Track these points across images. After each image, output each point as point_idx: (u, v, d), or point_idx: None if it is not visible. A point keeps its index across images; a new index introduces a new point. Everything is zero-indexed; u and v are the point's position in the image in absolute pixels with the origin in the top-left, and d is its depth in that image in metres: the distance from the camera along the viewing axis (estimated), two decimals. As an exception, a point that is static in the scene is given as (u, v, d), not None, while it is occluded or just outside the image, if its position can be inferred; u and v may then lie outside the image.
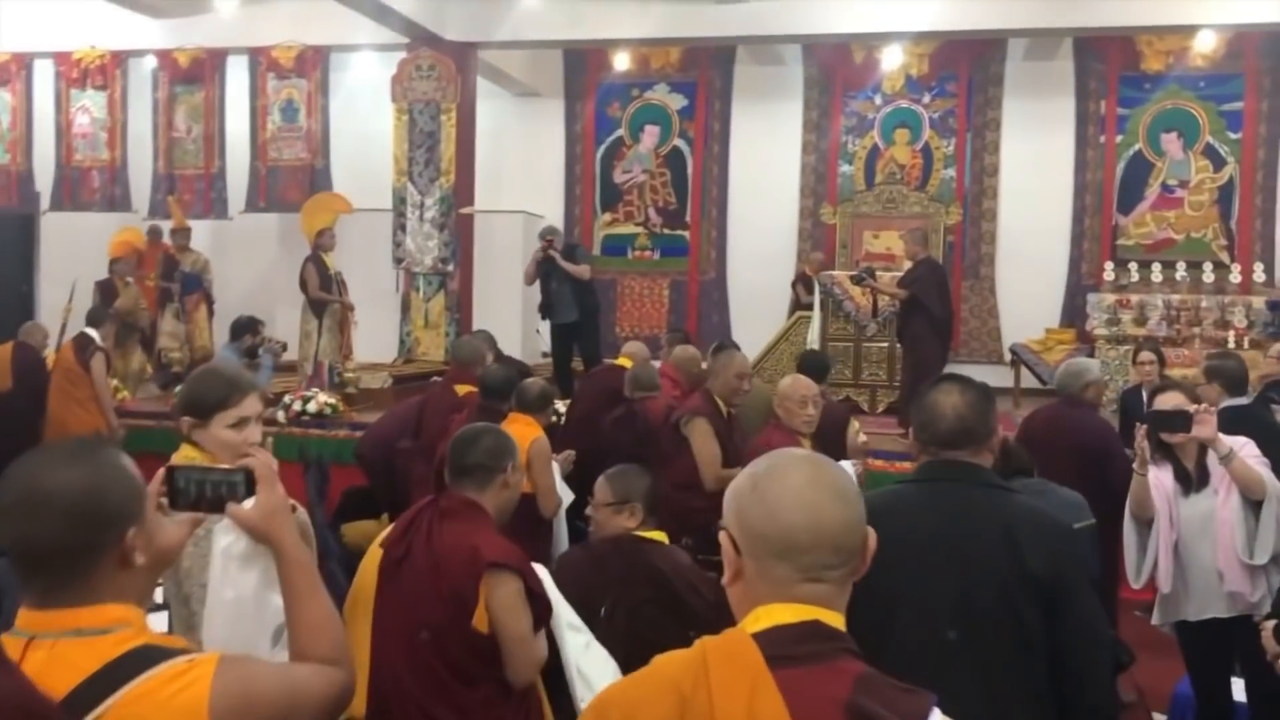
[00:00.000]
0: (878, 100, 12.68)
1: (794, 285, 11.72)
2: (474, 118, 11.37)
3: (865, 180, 12.62)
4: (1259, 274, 11.22)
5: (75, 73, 12.28)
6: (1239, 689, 4.02)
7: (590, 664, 2.88)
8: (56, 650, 1.50)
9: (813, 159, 12.83)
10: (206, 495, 1.82)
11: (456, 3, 10.94)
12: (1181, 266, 11.25)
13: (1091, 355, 10.94)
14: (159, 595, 2.40)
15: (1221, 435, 3.79)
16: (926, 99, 12.58)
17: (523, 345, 11.59)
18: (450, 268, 11.01)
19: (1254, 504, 3.80)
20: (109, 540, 1.56)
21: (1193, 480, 3.95)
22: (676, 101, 13.15)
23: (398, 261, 11.08)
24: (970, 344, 12.21)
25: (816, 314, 10.22)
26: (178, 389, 2.89)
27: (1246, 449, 3.83)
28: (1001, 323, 12.36)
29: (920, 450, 2.51)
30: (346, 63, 12.48)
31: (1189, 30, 10.92)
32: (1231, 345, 10.46)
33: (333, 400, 8.51)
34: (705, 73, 12.97)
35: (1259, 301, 10.67)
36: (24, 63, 12.54)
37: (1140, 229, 12.15)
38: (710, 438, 5.06)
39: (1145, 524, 3.97)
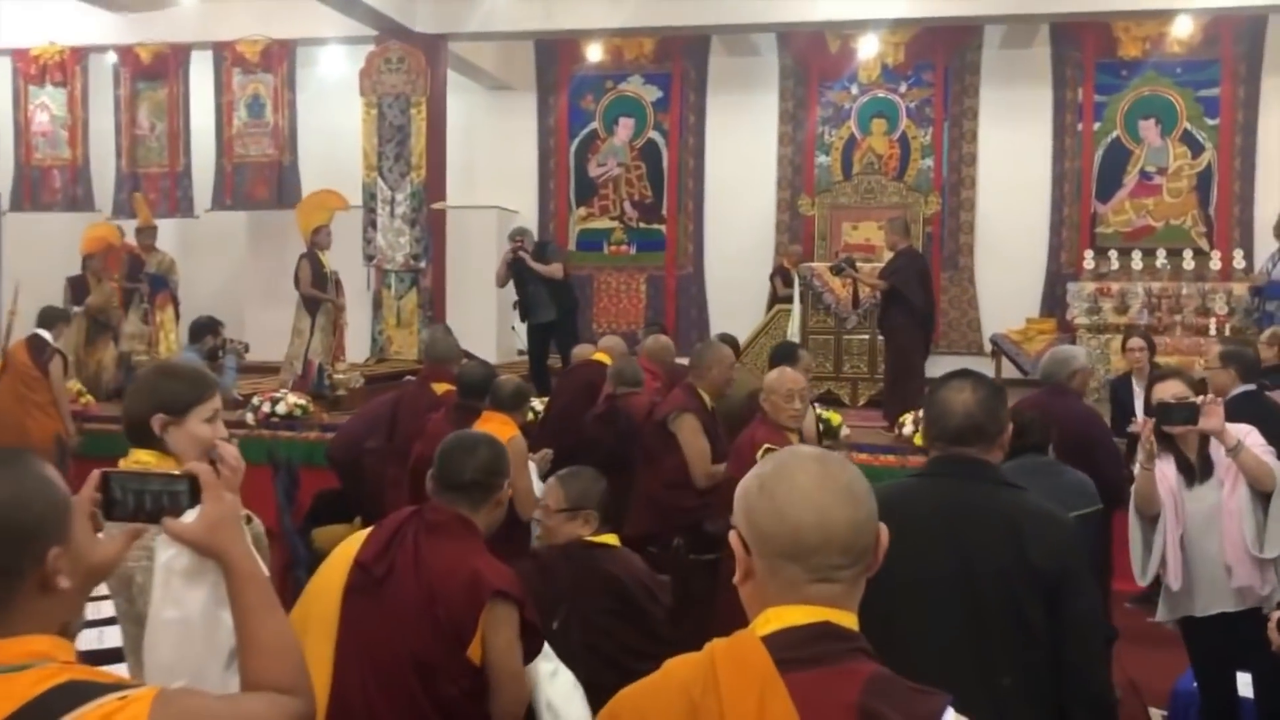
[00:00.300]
0: (854, 90, 12.56)
1: (772, 278, 11.58)
2: (444, 111, 11.16)
3: (843, 171, 12.50)
4: (1239, 261, 11.17)
5: (34, 69, 11.98)
6: (1243, 683, 3.88)
7: (558, 693, 2.66)
8: (-36, 691, 1.31)
9: (789, 150, 12.69)
10: (146, 506, 1.63)
11: (425, -6, 10.74)
12: (1162, 254, 11.18)
13: (1073, 344, 10.91)
14: (104, 610, 2.22)
15: (1229, 426, 3.64)
16: (903, 88, 12.47)
17: (498, 342, 11.44)
18: (422, 264, 10.79)
19: (1262, 495, 3.65)
20: (26, 563, 1.38)
21: (1196, 472, 3.79)
22: (651, 93, 12.98)
23: (369, 259, 10.85)
24: (950, 335, 12.10)
25: (796, 307, 10.08)
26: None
27: (1252, 437, 3.68)
28: (981, 313, 12.28)
29: (930, 445, 2.54)
30: (314, 57, 12.25)
31: (1165, 16, 10.85)
32: (1213, 333, 10.42)
33: (302, 401, 8.29)
34: (679, 64, 12.80)
35: (1240, 288, 10.63)
36: (-19, 60, 12.23)
37: (1119, 217, 12.08)
38: (699, 434, 4.91)
39: (1150, 520, 3.81)
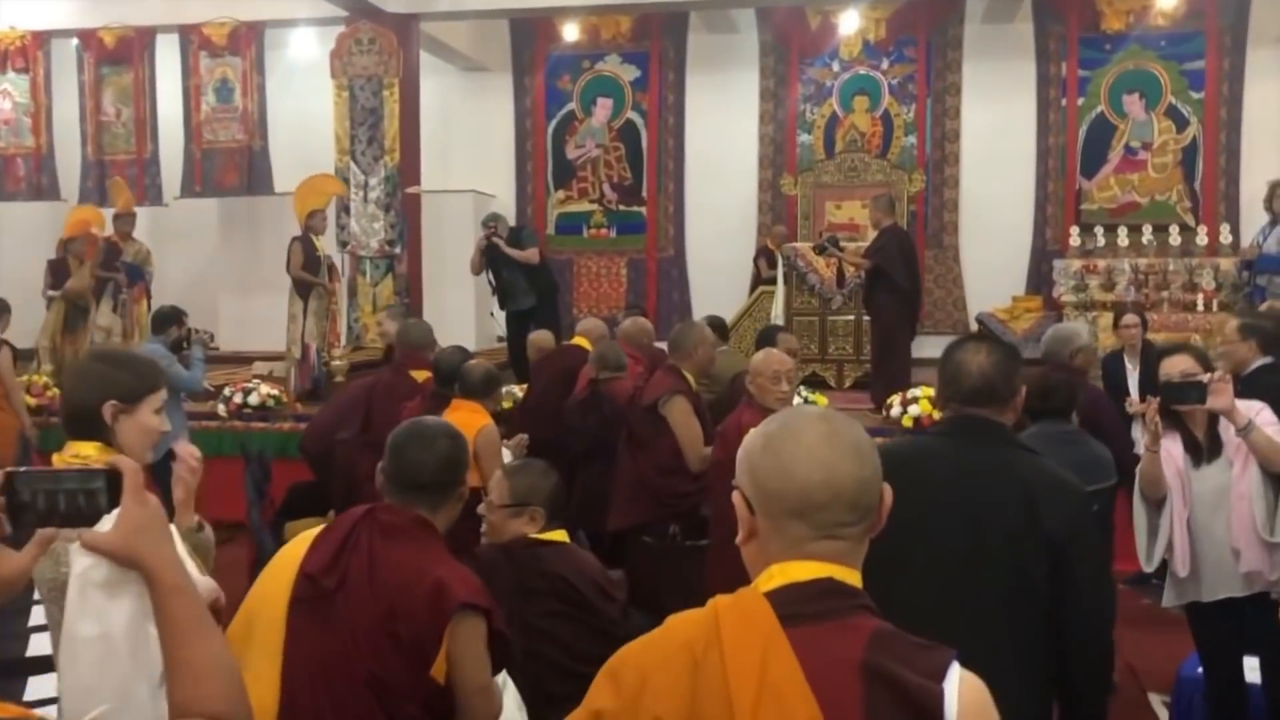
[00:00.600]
0: (835, 67, 12.36)
1: (756, 260, 11.39)
2: (418, 93, 10.92)
3: (825, 149, 12.31)
4: (1225, 236, 11.05)
5: (-6, 55, 11.67)
6: (1249, 668, 3.73)
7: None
8: None
9: (770, 129, 12.50)
10: (59, 508, 1.42)
11: (396, -27, 10.49)
12: (1148, 230, 11.08)
13: (1060, 323, 10.78)
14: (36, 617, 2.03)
15: (1239, 404, 3.45)
16: (885, 65, 12.29)
17: (477, 329, 11.24)
18: (398, 250, 10.57)
19: (1273, 477, 3.48)
20: None
21: (1204, 451, 3.60)
22: (629, 73, 12.75)
23: (342, 245, 10.61)
24: (935, 314, 11.96)
25: (780, 288, 9.91)
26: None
27: (1263, 415, 3.49)
28: (966, 292, 12.14)
29: (944, 406, 2.59)
30: (282, 39, 11.99)
31: (1150, -13, 10.70)
32: (1200, 308, 10.33)
33: (275, 392, 8.08)
34: (657, 42, 12.57)
35: (1226, 263, 10.53)
36: (-60, 47, 11.90)
37: (1104, 193, 11.95)
38: (691, 416, 4.73)
39: (1156, 504, 3.64)
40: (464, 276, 10.65)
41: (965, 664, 1.41)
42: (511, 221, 11.14)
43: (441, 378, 4.96)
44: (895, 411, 7.37)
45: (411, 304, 10.49)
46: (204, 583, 2.16)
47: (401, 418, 4.51)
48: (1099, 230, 11.24)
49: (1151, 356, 6.06)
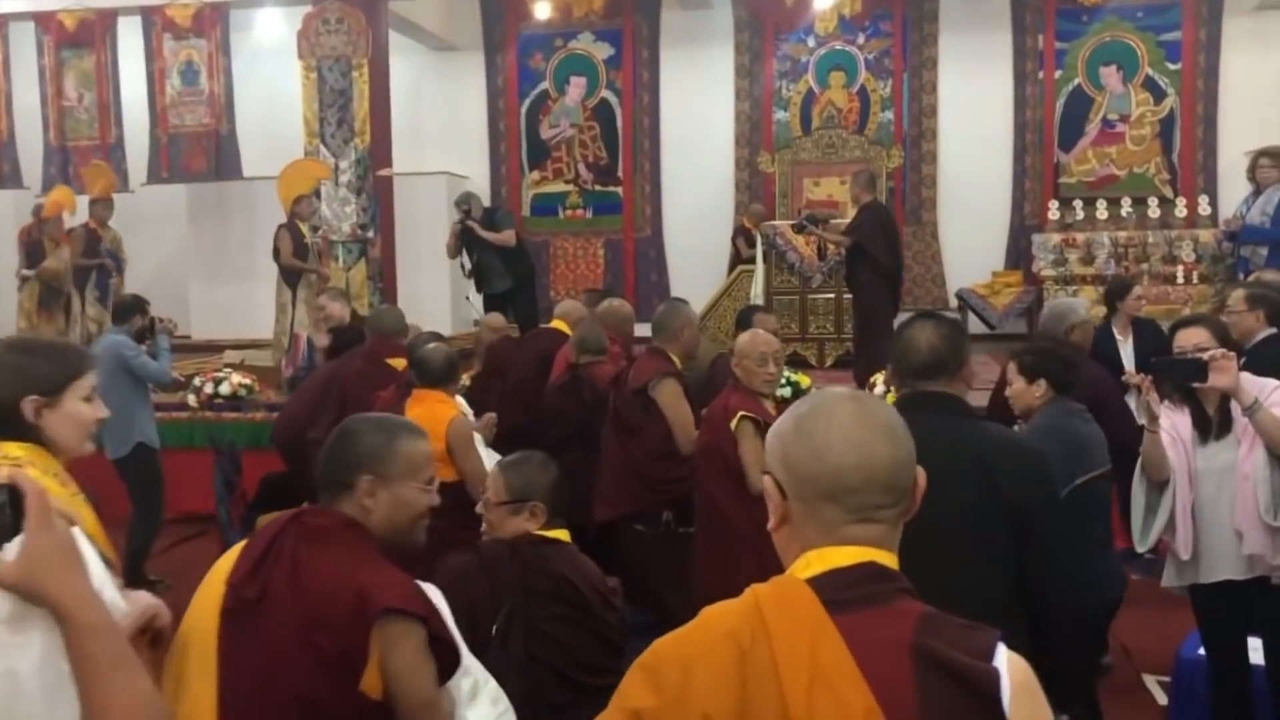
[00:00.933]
0: (811, 42, 12.22)
1: (734, 240, 11.27)
2: (387, 74, 10.69)
3: (802, 126, 12.18)
4: (1204, 207, 11.04)
5: (-50, 40, 11.36)
6: (1253, 647, 3.65)
7: (478, 717, 2.23)
8: None
9: (746, 106, 12.35)
10: None
11: (363, -50, 10.25)
12: (1127, 203, 11.05)
13: (1040, 298, 10.73)
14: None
15: (1245, 380, 3.30)
16: (861, 40, 12.15)
17: (453, 314, 11.09)
18: (370, 234, 10.36)
19: None
20: None
21: (1213, 427, 3.46)
22: (602, 51, 12.56)
23: (313, 229, 10.38)
24: (915, 291, 11.86)
25: (760, 267, 9.78)
26: None
27: (1275, 395, 3.33)
28: (945, 268, 12.07)
29: (898, 384, 2.64)
30: (248, 20, 11.70)
31: (1127, -43, 10.61)
32: (1181, 281, 10.31)
33: (248, 381, 7.91)
34: (630, 20, 12.39)
35: (1206, 235, 10.51)
36: (-106, 32, 11.57)
37: (1082, 166, 11.89)
38: (682, 399, 4.59)
39: (1158, 485, 3.52)
40: (439, 260, 10.47)
41: None
42: (486, 202, 10.98)
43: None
44: (879, 390, 7.26)
45: (385, 289, 10.31)
46: (140, 600, 1.99)
47: (375, 407, 4.39)
48: (1078, 204, 11.22)
49: (1144, 329, 5.98)
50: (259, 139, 10.96)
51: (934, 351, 2.56)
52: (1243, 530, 3.35)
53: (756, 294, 9.57)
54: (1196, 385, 3.33)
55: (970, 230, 11.87)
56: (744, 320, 5.59)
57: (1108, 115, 11.83)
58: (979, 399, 4.31)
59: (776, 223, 10.30)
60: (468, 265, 9.46)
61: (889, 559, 1.43)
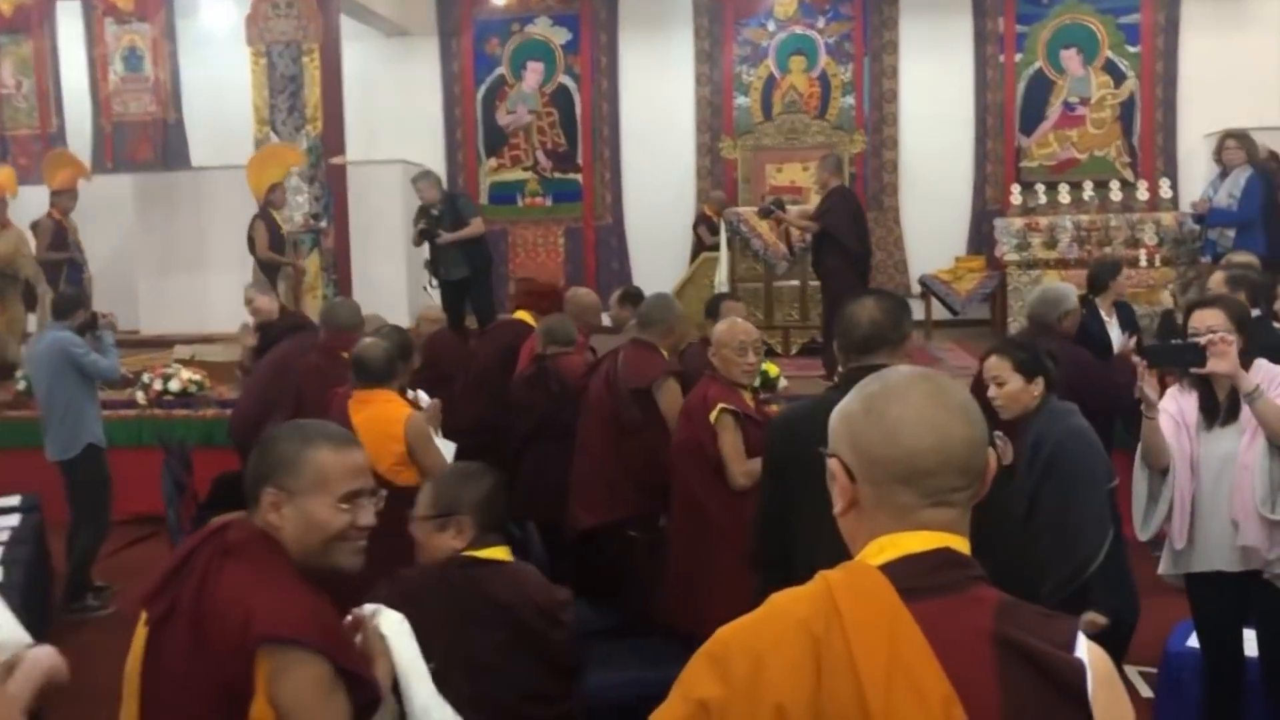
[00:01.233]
0: (771, 26, 12.09)
1: (695, 228, 11.12)
2: (339, 59, 10.42)
3: (763, 111, 12.05)
4: (1165, 190, 11.06)
5: (-119, 26, 10.92)
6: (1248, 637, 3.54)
7: None
8: None
9: (707, 91, 12.19)
10: None
11: (312, -68, 9.96)
12: (1089, 186, 11.04)
13: (1003, 282, 10.69)
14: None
15: (1257, 369, 3.16)
16: (821, 23, 12.04)
17: (410, 304, 10.84)
18: (323, 224, 10.09)
19: None
20: None
21: (1220, 412, 3.31)
22: (560, 36, 12.35)
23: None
24: (877, 278, 11.70)
25: (724, 255, 9.63)
26: None
27: (1278, 383, 3.19)
28: (908, 254, 11.99)
29: (843, 360, 2.68)
30: (194, 4, 11.42)
31: (1086, -62, 10.56)
32: (1144, 264, 10.28)
33: (198, 377, 7.64)
34: (588, 4, 12.19)
35: (1168, 218, 10.51)
36: None
37: (1044, 149, 11.87)
38: (680, 399, 4.30)
39: (1159, 471, 3.39)
40: (394, 249, 10.25)
41: None
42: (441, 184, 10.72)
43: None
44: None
45: (340, 280, 10.05)
46: (38, 664, 1.80)
47: (333, 403, 4.18)
48: (1040, 188, 11.20)
49: (1124, 311, 5.89)
50: (207, 127, 10.68)
51: (874, 324, 2.59)
52: (1239, 521, 3.22)
53: (721, 281, 9.42)
54: (1196, 371, 3.20)
55: (932, 215, 11.82)
56: (712, 308, 5.43)
57: (1068, 98, 11.81)
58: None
59: (740, 209, 10.16)
60: (426, 255, 9.25)
61: (962, 544, 1.38)
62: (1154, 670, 4.08)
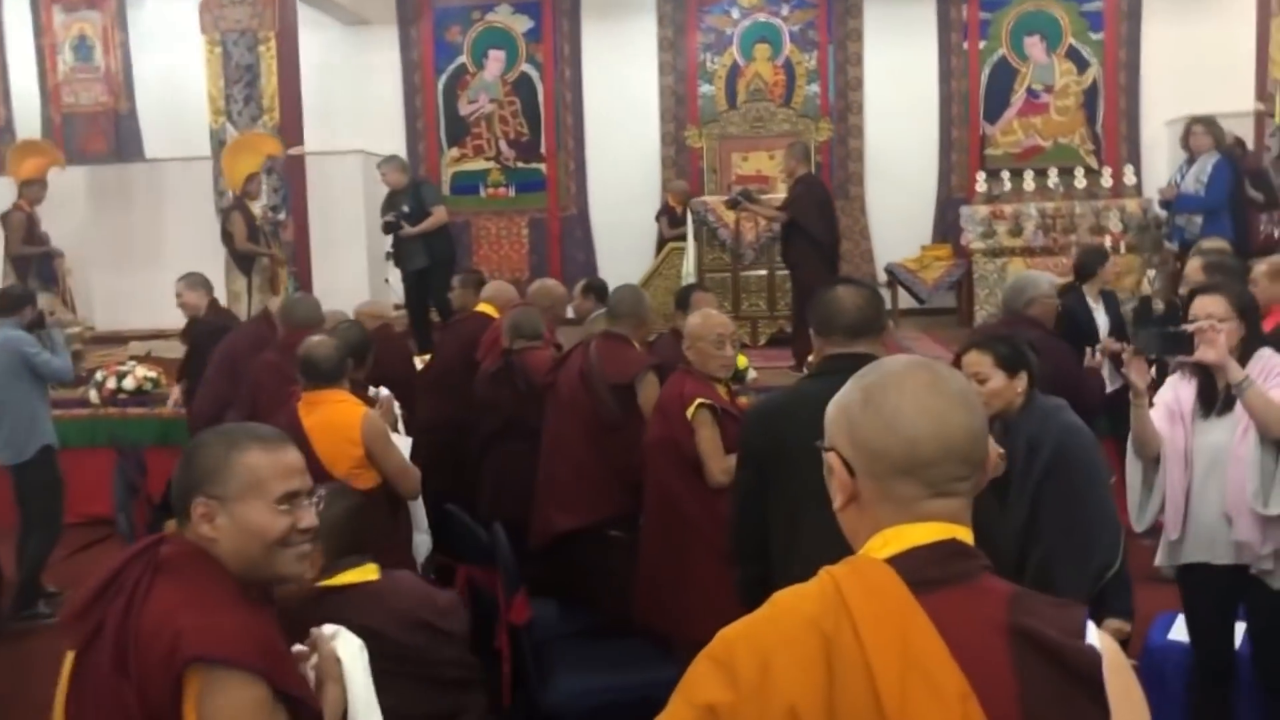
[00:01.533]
0: (735, 14, 11.99)
1: (658, 218, 11.00)
2: (296, 48, 10.20)
3: (728, 100, 11.94)
4: (1129, 177, 11.05)
5: None
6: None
7: None
8: None
9: (671, 80, 12.07)
10: None
11: (266, -83, 9.73)
12: (1053, 174, 11.01)
13: (970, 271, 10.66)
14: None
15: (1259, 359, 3.07)
16: (785, 10, 11.95)
17: (372, 297, 10.64)
18: (282, 216, 9.87)
19: (1274, 444, 3.11)
20: None
21: (1217, 401, 3.20)
22: (521, 23, 12.17)
23: (221, 212, 9.90)
24: (843, 268, 11.61)
25: (690, 245, 9.53)
26: None
27: (1274, 379, 3.10)
28: (874, 243, 11.94)
29: (824, 344, 2.64)
30: (145, -8, 11.13)
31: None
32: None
33: (153, 374, 7.44)
34: (550, -10, 12.02)
35: (1132, 205, 10.52)
36: None
37: (1008, 137, 11.86)
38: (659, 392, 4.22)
39: (1152, 461, 3.31)
40: (355, 242, 10.07)
41: None
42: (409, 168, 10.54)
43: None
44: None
45: (299, 273, 9.85)
46: None
47: (290, 402, 4.03)
48: (1004, 175, 11.17)
49: (1109, 300, 5.82)
50: (162, 118, 10.46)
51: (861, 310, 2.60)
52: (1232, 515, 3.14)
53: (688, 272, 9.33)
54: (1183, 359, 3.11)
55: (898, 204, 11.77)
56: (682, 300, 5.32)
57: (1032, 86, 11.80)
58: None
59: (707, 198, 10.05)
60: (388, 247, 9.09)
61: (967, 534, 1.36)
62: (1133, 662, 4.02)
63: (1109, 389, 5.16)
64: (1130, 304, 7.28)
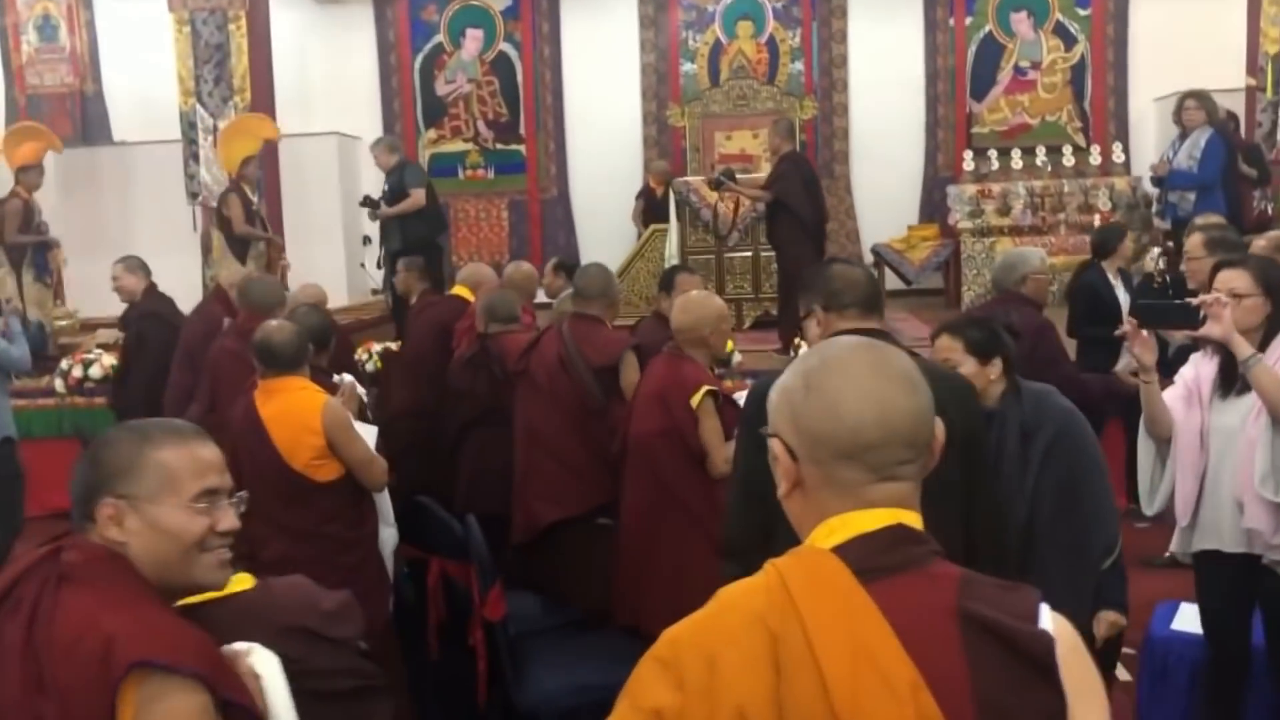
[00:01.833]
0: (717, -10, 11.77)
1: (638, 199, 10.78)
2: (268, 27, 9.95)
3: (710, 78, 11.75)
4: (1118, 154, 10.94)
5: None
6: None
7: None
8: None
9: (653, 58, 11.86)
10: None
11: (235, -109, 9.46)
12: (1041, 152, 10.89)
13: (957, 250, 10.51)
14: None
15: None
16: (768, -14, 11.74)
17: (349, 283, 10.46)
18: (255, 199, 9.65)
19: None
20: None
21: (1236, 381, 3.02)
22: (499, 2, 11.93)
23: (192, 196, 9.65)
24: (829, 248, 11.51)
25: (674, 226, 9.33)
26: None
27: None
28: (860, 223, 11.77)
29: (834, 320, 2.50)
30: (111, -31, 10.83)
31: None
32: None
33: (120, 363, 7.22)
34: (528, -33, 11.79)
35: (1121, 182, 10.40)
36: None
37: (995, 115, 11.70)
38: (639, 373, 3.96)
39: (1165, 441, 3.13)
40: (330, 225, 9.86)
41: None
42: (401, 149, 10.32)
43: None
44: (804, 351, 6.91)
45: (272, 257, 9.62)
46: None
47: (251, 392, 3.83)
48: (992, 154, 11.05)
49: (1125, 278, 5.66)
50: (130, 99, 10.23)
51: (874, 284, 2.52)
52: (1243, 501, 2.97)
53: (671, 254, 9.13)
54: (1189, 334, 2.94)
55: (884, 183, 11.61)
56: (667, 282, 5.13)
57: (1019, 63, 11.65)
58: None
59: (689, 179, 9.86)
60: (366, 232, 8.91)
61: (915, 519, 1.32)
62: (1132, 652, 3.88)
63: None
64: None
